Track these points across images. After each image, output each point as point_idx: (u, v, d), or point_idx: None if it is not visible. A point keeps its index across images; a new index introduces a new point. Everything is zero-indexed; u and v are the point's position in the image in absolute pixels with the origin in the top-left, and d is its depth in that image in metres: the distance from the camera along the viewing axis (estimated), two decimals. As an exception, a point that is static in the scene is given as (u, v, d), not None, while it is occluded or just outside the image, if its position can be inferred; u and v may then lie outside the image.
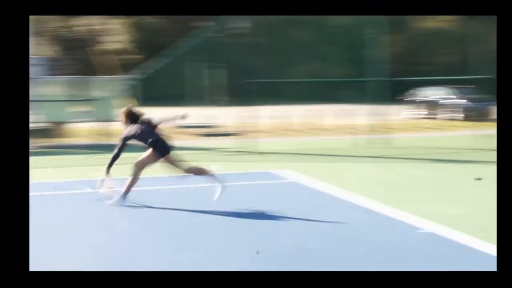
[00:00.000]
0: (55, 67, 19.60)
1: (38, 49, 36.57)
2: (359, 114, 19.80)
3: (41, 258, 5.74)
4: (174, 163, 8.41)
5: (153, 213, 8.04)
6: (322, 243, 6.35)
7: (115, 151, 8.23)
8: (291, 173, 11.21)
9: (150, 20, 44.80)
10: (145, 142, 8.32)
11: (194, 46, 16.73)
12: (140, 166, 8.40)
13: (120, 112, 8.64)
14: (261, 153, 14.78)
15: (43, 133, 17.27)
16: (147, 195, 9.01)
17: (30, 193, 8.97)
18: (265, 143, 16.58)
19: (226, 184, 8.47)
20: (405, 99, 27.12)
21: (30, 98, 17.06)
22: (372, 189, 9.53)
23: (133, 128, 8.35)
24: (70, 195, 9.53)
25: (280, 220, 7.51)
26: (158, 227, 7.33)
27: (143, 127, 8.40)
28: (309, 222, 7.36)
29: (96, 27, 45.71)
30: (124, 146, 8.27)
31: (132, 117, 8.45)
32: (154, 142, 8.30)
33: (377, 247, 6.22)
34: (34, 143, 17.05)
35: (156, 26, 44.94)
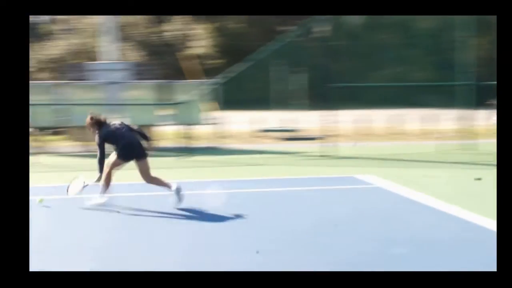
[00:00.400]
0: (141, 72, 20.20)
1: (126, 54, 37.90)
2: (444, 119, 19.28)
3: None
4: (140, 170, 8.61)
5: (255, 215, 8.14)
6: (408, 250, 6.25)
7: (98, 155, 8.48)
8: (375, 178, 11.06)
9: (232, 24, 45.47)
10: (116, 144, 8.58)
11: (276, 50, 16.83)
12: (110, 167, 8.64)
13: (86, 123, 8.77)
14: (342, 157, 14.68)
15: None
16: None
17: (122, 194, 9.41)
18: (346, 147, 16.45)
19: (183, 194, 8.55)
20: (494, 104, 26.16)
21: (117, 102, 17.66)
22: (459, 197, 9.26)
23: (107, 130, 8.58)
24: (152, 196, 9.80)
25: (366, 225, 7.44)
26: (250, 228, 7.42)
27: (119, 129, 8.69)
28: (395, 228, 7.25)
29: (181, 32, 46.82)
30: (103, 149, 8.49)
31: (98, 124, 8.65)
32: (123, 145, 8.53)
33: (467, 257, 6.04)
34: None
35: (238, 31, 45.55)
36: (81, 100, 16.63)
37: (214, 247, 6.50)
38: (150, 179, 8.70)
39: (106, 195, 8.72)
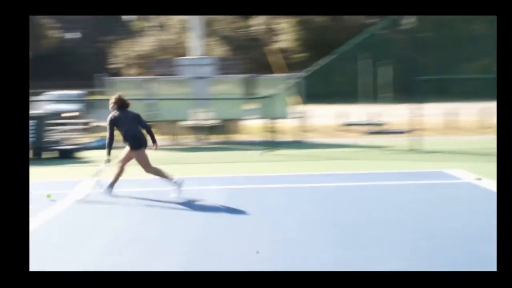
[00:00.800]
0: (227, 67, 20.55)
1: (212, 49, 38.52)
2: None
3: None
4: (140, 160, 8.92)
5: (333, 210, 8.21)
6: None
7: (108, 136, 8.84)
8: (464, 173, 10.82)
9: (316, 18, 45.32)
10: (123, 130, 8.90)
11: (362, 43, 16.70)
12: (123, 162, 9.05)
13: (111, 98, 9.14)
14: (429, 152, 14.42)
15: (215, 129, 18.24)
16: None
17: (205, 187, 9.70)
18: (432, 141, 16.12)
19: (182, 188, 8.84)
20: None
21: (204, 96, 18.02)
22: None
23: (119, 115, 8.90)
24: (241, 190, 10.01)
25: (457, 222, 7.33)
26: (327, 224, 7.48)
27: (128, 117, 8.95)
28: (487, 225, 7.10)
29: (265, 27, 47.16)
30: (110, 131, 8.84)
31: (117, 106, 8.94)
32: (124, 132, 8.87)
33: None
34: (206, 139, 18.11)
35: (322, 24, 45.35)
36: (169, 95, 17.14)
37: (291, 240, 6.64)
38: (149, 170, 9.03)
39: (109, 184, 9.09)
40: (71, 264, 5.63)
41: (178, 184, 8.94)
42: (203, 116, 18.02)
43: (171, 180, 8.98)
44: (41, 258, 5.81)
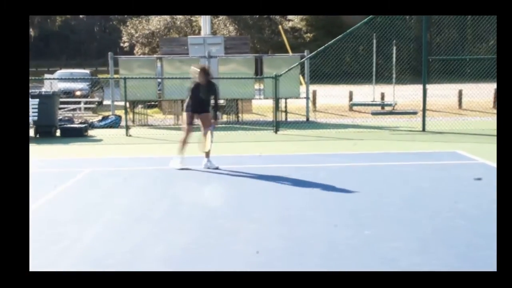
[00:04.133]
0: (237, 46, 20.45)
1: (221, 29, 37.90)
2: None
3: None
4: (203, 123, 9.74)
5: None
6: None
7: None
8: (478, 153, 10.76)
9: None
10: (195, 98, 9.62)
11: (374, 22, 16.52)
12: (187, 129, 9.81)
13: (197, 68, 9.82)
14: (440, 132, 14.33)
15: (226, 109, 18.16)
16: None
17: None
18: (443, 122, 16.03)
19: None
20: None
21: (214, 76, 17.92)
22: None
23: (201, 85, 9.64)
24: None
25: (466, 203, 7.31)
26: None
27: (207, 88, 9.66)
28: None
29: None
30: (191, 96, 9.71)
31: (205, 75, 9.63)
32: (197, 100, 9.60)
33: None
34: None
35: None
36: (177, 74, 17.07)
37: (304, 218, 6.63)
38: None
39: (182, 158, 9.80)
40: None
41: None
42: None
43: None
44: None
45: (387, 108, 17.96)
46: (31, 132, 14.43)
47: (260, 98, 18.42)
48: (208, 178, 9.00)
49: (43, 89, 18.85)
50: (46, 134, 14.65)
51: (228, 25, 47.63)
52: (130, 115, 17.24)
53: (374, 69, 16.57)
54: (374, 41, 16.28)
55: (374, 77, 16.67)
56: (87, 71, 28.31)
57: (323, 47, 15.96)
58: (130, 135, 14.81)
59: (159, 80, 18.02)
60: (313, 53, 16.68)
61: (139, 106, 18.77)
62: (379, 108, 18.26)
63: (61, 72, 27.90)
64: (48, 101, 14.76)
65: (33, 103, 14.47)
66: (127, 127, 15.08)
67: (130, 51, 45.77)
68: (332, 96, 20.84)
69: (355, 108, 20.02)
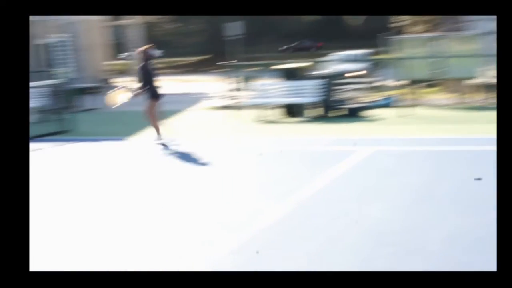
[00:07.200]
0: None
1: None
2: None
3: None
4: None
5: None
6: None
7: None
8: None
9: None
10: (143, 82, 10.67)
11: None
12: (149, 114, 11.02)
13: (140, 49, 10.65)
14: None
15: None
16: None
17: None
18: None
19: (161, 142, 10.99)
20: None
21: (491, 53, 17.15)
22: None
23: (147, 65, 10.43)
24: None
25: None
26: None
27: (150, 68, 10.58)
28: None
29: None
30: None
31: (146, 57, 10.36)
32: (150, 85, 10.59)
33: None
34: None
35: None
36: (457, 52, 16.73)
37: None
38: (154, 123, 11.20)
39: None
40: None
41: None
42: (493, 74, 17.20)
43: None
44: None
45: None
46: (318, 111, 15.51)
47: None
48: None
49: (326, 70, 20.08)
50: (332, 112, 15.37)
51: None
52: (408, 95, 17.40)
53: None
54: None
55: None
56: (364, 51, 29.11)
57: None
58: (408, 115, 14.93)
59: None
60: None
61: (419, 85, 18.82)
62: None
63: (339, 53, 29.09)
64: (325, 83, 15.59)
65: (315, 84, 15.65)
66: (408, 107, 15.31)
67: (405, 30, 45.53)
68: None
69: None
